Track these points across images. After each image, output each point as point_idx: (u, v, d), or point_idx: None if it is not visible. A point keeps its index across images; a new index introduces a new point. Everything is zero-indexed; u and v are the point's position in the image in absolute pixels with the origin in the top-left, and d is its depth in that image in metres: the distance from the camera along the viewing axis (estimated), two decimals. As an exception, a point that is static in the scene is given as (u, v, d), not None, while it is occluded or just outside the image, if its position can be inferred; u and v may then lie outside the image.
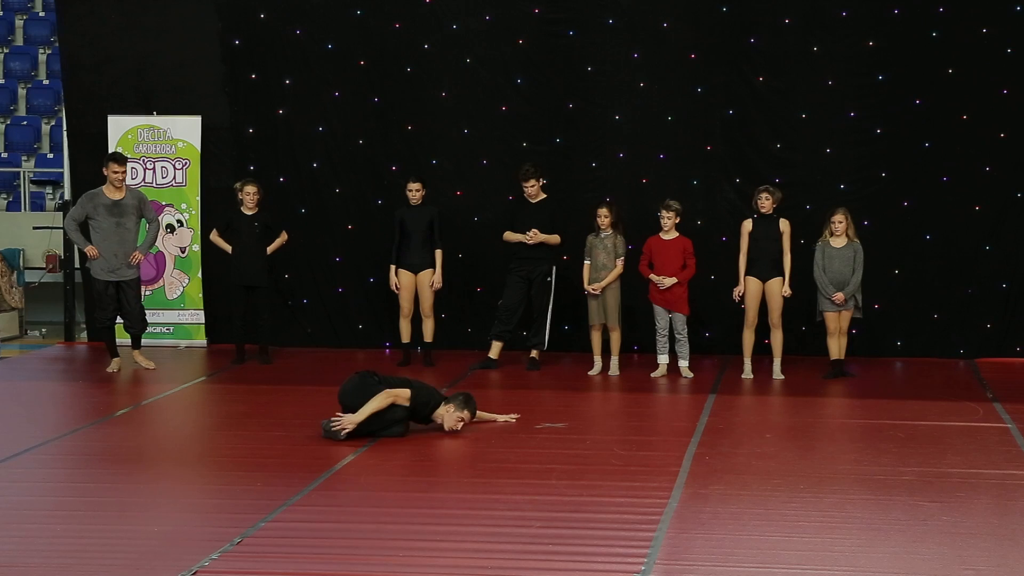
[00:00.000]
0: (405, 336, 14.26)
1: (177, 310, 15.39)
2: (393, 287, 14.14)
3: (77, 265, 15.59)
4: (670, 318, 13.50)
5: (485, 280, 14.84)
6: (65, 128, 16.11)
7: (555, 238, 13.82)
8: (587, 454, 10.23)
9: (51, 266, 18.07)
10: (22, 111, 21.64)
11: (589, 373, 13.63)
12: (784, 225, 13.39)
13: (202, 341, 15.37)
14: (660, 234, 13.50)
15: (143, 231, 13.80)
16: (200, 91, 15.34)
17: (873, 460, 10.06)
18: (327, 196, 15.21)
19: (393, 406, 10.58)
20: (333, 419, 10.52)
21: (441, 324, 14.44)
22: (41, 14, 22.45)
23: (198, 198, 15.32)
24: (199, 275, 15.32)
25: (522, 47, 14.84)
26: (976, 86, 14.28)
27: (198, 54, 15.26)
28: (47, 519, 8.51)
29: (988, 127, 14.29)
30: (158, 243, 14.81)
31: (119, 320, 13.83)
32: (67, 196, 16.04)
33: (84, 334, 16.06)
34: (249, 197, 14.09)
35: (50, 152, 20.84)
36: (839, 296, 13.19)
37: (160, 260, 15.30)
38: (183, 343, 15.37)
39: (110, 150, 14.77)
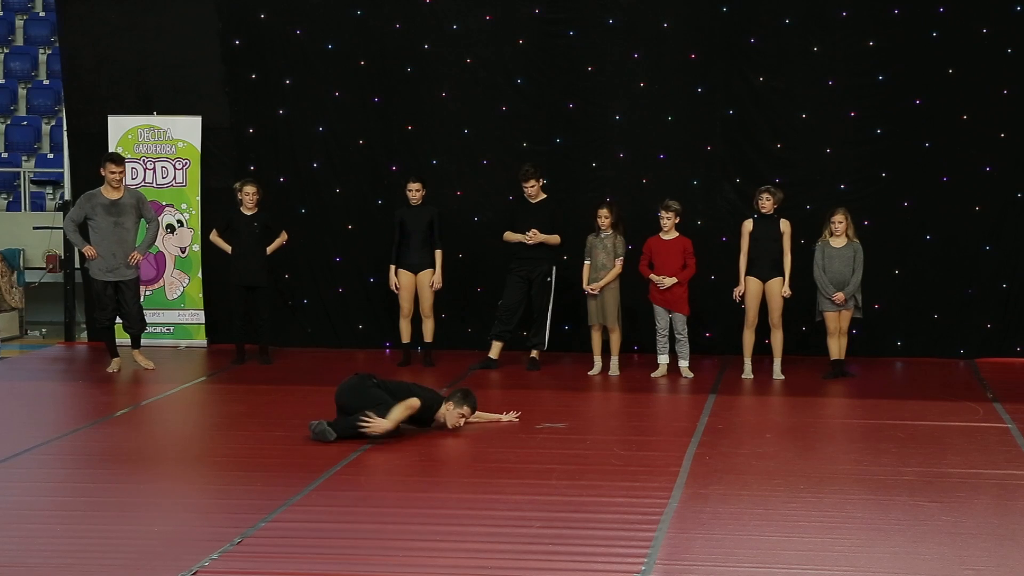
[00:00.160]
0: (405, 336, 14.26)
1: (177, 310, 15.39)
2: (393, 287, 14.14)
3: (77, 265, 15.58)
4: (670, 318, 13.50)
5: (485, 280, 14.84)
6: (65, 128, 16.11)
7: (555, 238, 13.82)
8: (587, 454, 10.23)
9: (51, 266, 18.07)
10: (22, 111, 21.64)
11: (589, 373, 13.63)
12: (784, 225, 13.39)
13: (202, 341, 15.37)
14: (660, 234, 13.50)
15: (142, 231, 13.79)
16: (200, 91, 15.35)
17: (873, 460, 10.06)
18: (327, 196, 15.21)
19: (385, 410, 10.59)
20: (363, 419, 10.46)
21: (441, 324, 14.45)
22: (41, 14, 22.45)
23: (198, 198, 15.32)
24: (199, 275, 15.33)
25: (522, 47, 14.84)
26: (976, 86, 14.28)
27: (198, 54, 15.26)
28: (47, 519, 8.51)
29: (988, 127, 14.29)
30: (158, 243, 14.82)
31: (119, 320, 13.82)
32: (67, 196, 16.04)
33: (84, 334, 16.06)
34: (248, 197, 14.09)
35: (50, 152, 20.83)
36: (839, 296, 13.19)
37: (160, 260, 15.30)
38: (183, 343, 15.37)
39: (110, 150, 14.77)
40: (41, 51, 22.02)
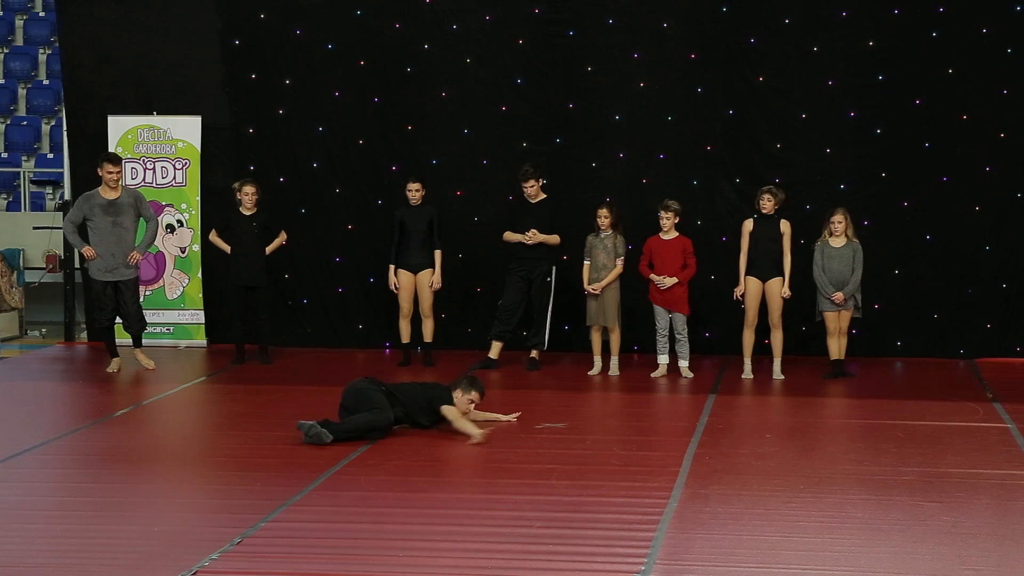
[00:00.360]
0: (405, 336, 14.26)
1: (177, 310, 15.39)
2: (392, 287, 14.14)
3: (77, 265, 15.58)
4: (670, 318, 13.50)
5: (485, 280, 14.84)
6: (65, 128, 16.11)
7: (555, 238, 13.82)
8: (587, 454, 10.23)
9: (51, 266, 18.07)
10: (22, 111, 21.65)
11: (589, 373, 13.63)
12: (785, 226, 13.39)
13: (202, 341, 15.37)
14: (660, 234, 13.50)
15: (142, 230, 13.78)
16: (200, 91, 15.34)
17: (873, 460, 10.06)
18: (327, 196, 15.21)
19: (381, 414, 10.60)
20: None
21: (441, 324, 14.45)
22: (41, 14, 22.45)
23: (198, 198, 15.32)
24: (199, 275, 15.32)
25: (522, 47, 14.84)
26: (976, 86, 14.28)
27: (198, 54, 15.26)
28: (47, 519, 8.51)
29: (988, 127, 14.28)
30: (158, 243, 14.82)
31: (119, 320, 13.82)
32: (67, 196, 16.05)
33: (84, 334, 16.06)
34: (248, 197, 14.09)
35: (50, 152, 20.84)
36: (839, 296, 13.19)
37: (160, 260, 15.30)
38: (183, 343, 15.37)
39: (110, 150, 14.77)
40: (41, 51, 22.02)
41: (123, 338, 14.00)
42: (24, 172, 20.29)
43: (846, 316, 13.33)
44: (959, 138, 14.33)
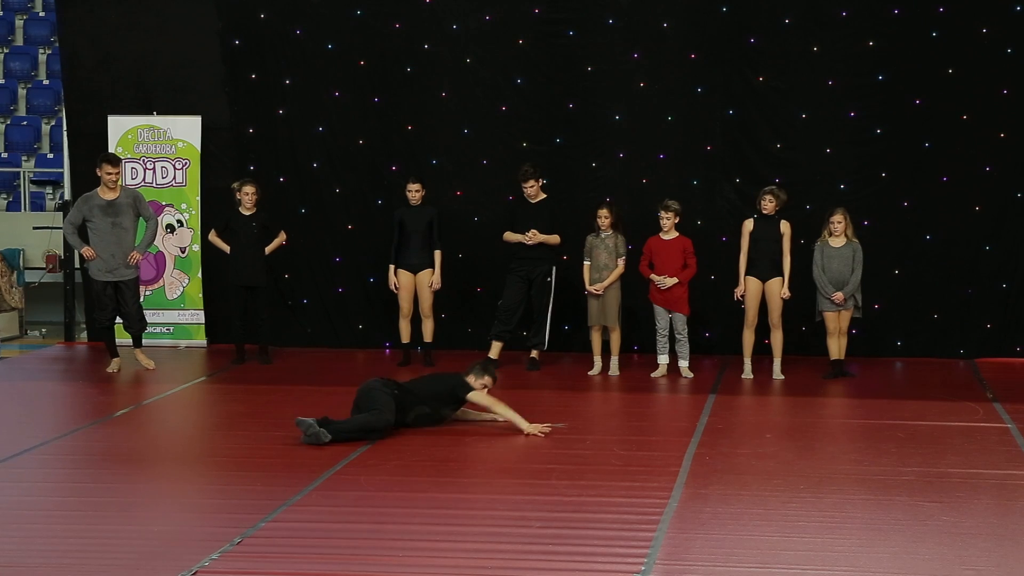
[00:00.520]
0: (405, 336, 14.26)
1: (177, 310, 15.39)
2: (392, 287, 14.14)
3: (77, 265, 15.58)
4: (670, 318, 13.50)
5: (485, 280, 14.84)
6: (65, 128, 16.11)
7: (555, 238, 13.82)
8: (587, 454, 10.23)
9: (51, 266, 18.08)
10: (22, 111, 21.65)
11: (589, 373, 13.63)
12: (785, 227, 13.39)
13: (202, 341, 15.37)
14: (660, 234, 13.50)
15: (141, 229, 13.78)
16: (200, 91, 15.34)
17: (873, 460, 10.06)
18: (327, 196, 15.21)
19: (379, 415, 10.61)
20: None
21: (441, 324, 14.45)
22: (41, 14, 22.46)
23: (198, 198, 15.32)
24: (199, 275, 15.32)
25: (522, 47, 14.83)
26: (976, 86, 14.28)
27: (198, 54, 15.26)
28: (47, 519, 8.52)
29: (988, 127, 14.29)
30: (158, 243, 14.82)
31: (119, 320, 13.82)
32: (67, 196, 16.05)
33: (84, 334, 16.06)
34: (247, 197, 14.09)
35: (50, 152, 20.84)
36: (838, 296, 13.19)
37: (160, 260, 15.30)
38: (183, 343, 15.37)
39: (110, 150, 14.77)
40: (41, 51, 22.02)
41: (123, 338, 14.00)
42: (24, 172, 20.29)
43: (846, 316, 13.33)
44: (959, 138, 14.32)
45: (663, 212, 13.44)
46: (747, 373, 13.47)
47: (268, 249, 14.19)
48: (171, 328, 15.40)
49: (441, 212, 14.17)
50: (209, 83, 15.32)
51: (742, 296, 13.45)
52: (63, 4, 15.70)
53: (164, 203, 15.26)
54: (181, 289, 15.38)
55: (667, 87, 14.65)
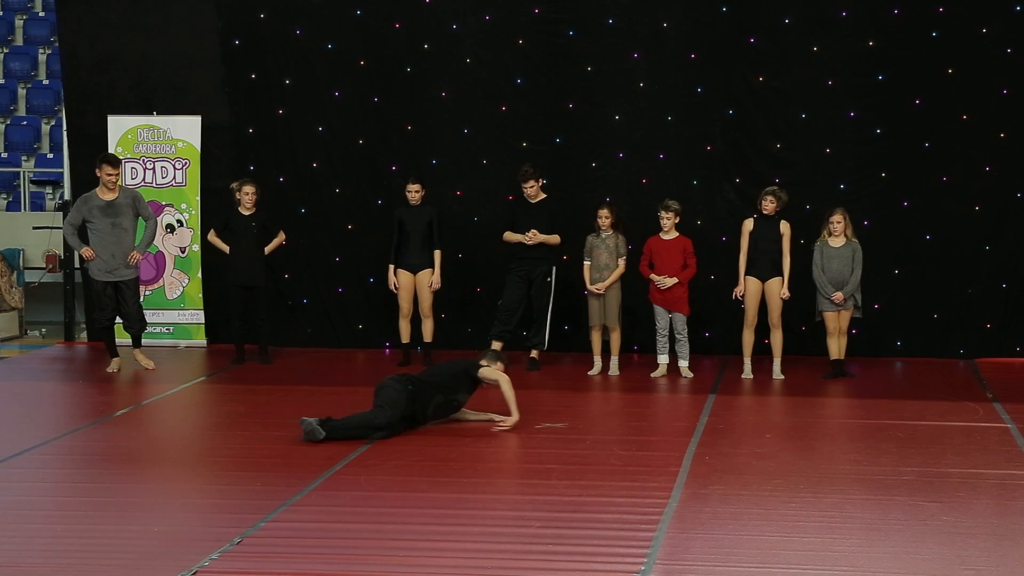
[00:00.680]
0: (404, 336, 14.26)
1: (177, 310, 15.39)
2: (392, 287, 14.14)
3: (77, 265, 15.59)
4: (670, 318, 13.50)
5: (485, 280, 14.84)
6: (65, 128, 16.11)
7: (555, 238, 13.82)
8: (587, 454, 10.23)
9: (51, 266, 18.07)
10: (22, 111, 21.65)
11: (589, 373, 13.63)
12: (784, 227, 13.39)
13: (202, 341, 15.37)
14: (660, 234, 13.50)
15: (141, 230, 13.78)
16: (200, 91, 15.34)
17: (873, 460, 10.06)
18: (327, 196, 15.22)
19: (380, 412, 10.64)
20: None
21: (441, 324, 14.45)
22: (41, 14, 22.45)
23: (198, 198, 15.32)
24: (199, 275, 15.32)
25: (522, 47, 14.84)
26: (976, 86, 14.28)
27: (198, 54, 15.26)
28: (47, 519, 8.51)
29: (988, 127, 14.29)
30: (157, 243, 14.83)
31: (119, 320, 13.82)
32: (67, 196, 16.05)
33: (84, 334, 16.06)
34: (247, 197, 14.09)
35: (50, 152, 20.84)
36: (838, 296, 13.20)
37: (160, 260, 15.30)
38: (183, 343, 15.37)
39: (110, 150, 14.77)
40: (41, 51, 22.02)
41: (123, 338, 14.00)
42: (24, 172, 20.29)
43: (846, 316, 13.33)
44: (959, 138, 14.32)
45: (663, 212, 13.44)
46: (747, 373, 13.47)
47: (267, 249, 14.20)
48: (171, 328, 15.40)
49: (441, 212, 14.17)
50: (209, 83, 15.33)
51: (741, 296, 13.45)
52: (63, 4, 15.70)
53: (164, 203, 15.26)
54: (181, 289, 15.38)
55: (667, 87, 14.65)
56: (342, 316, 15.33)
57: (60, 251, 16.72)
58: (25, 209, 19.92)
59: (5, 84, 21.73)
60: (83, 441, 10.79)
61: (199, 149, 15.32)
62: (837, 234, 13.29)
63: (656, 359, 13.57)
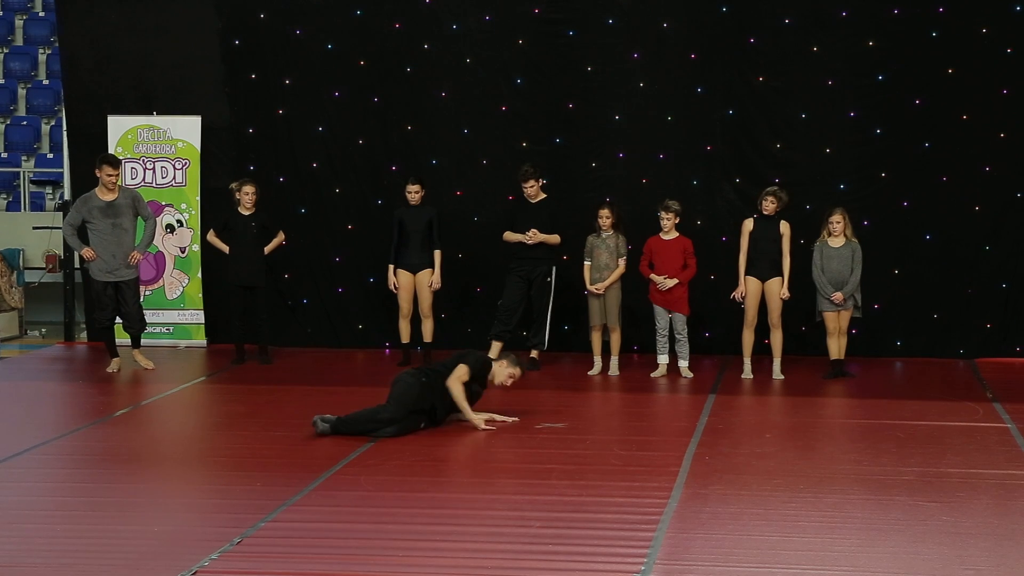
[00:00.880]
0: (404, 336, 14.26)
1: (177, 310, 15.39)
2: (392, 287, 14.14)
3: (77, 265, 15.59)
4: (670, 318, 13.50)
5: (485, 280, 14.84)
6: (65, 128, 16.12)
7: (555, 238, 13.82)
8: (587, 454, 10.23)
9: (51, 266, 18.07)
10: (22, 111, 21.65)
11: (589, 373, 13.63)
12: (784, 227, 13.38)
13: (202, 341, 15.37)
14: (660, 234, 13.50)
15: (140, 229, 13.78)
16: (200, 91, 15.35)
17: (873, 460, 10.06)
18: (327, 196, 15.22)
19: (384, 408, 10.69)
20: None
21: (441, 324, 14.45)
22: (41, 14, 22.45)
23: (198, 198, 15.32)
24: (199, 275, 15.32)
25: (522, 47, 14.84)
26: (976, 86, 14.28)
27: (198, 54, 15.27)
28: (47, 519, 8.51)
29: (988, 127, 14.29)
30: (157, 243, 14.83)
31: (119, 320, 13.82)
32: (67, 196, 16.05)
33: (84, 334, 16.06)
34: (247, 197, 14.10)
35: (50, 152, 20.84)
36: (838, 296, 13.20)
37: (160, 260, 15.30)
38: (183, 343, 15.37)
39: (110, 150, 14.77)
40: (41, 51, 22.02)
41: (123, 338, 14.00)
42: (24, 172, 20.29)
43: (846, 316, 13.33)
44: (959, 138, 14.33)
45: (663, 212, 13.44)
46: (747, 373, 13.47)
47: (267, 249, 14.20)
48: (171, 328, 15.40)
49: (441, 212, 14.17)
50: (209, 83, 15.33)
51: (742, 297, 13.45)
52: (63, 4, 15.71)
53: (164, 203, 15.27)
54: (181, 289, 15.38)
55: (667, 87, 14.65)
56: (342, 316, 15.33)
57: (60, 251, 16.72)
58: (25, 209, 19.92)
59: (5, 84, 21.73)
60: (83, 441, 10.79)
61: (199, 149, 15.32)
62: (837, 234, 13.29)
63: (656, 359, 13.57)
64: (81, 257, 13.91)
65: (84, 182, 14.78)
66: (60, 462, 10.24)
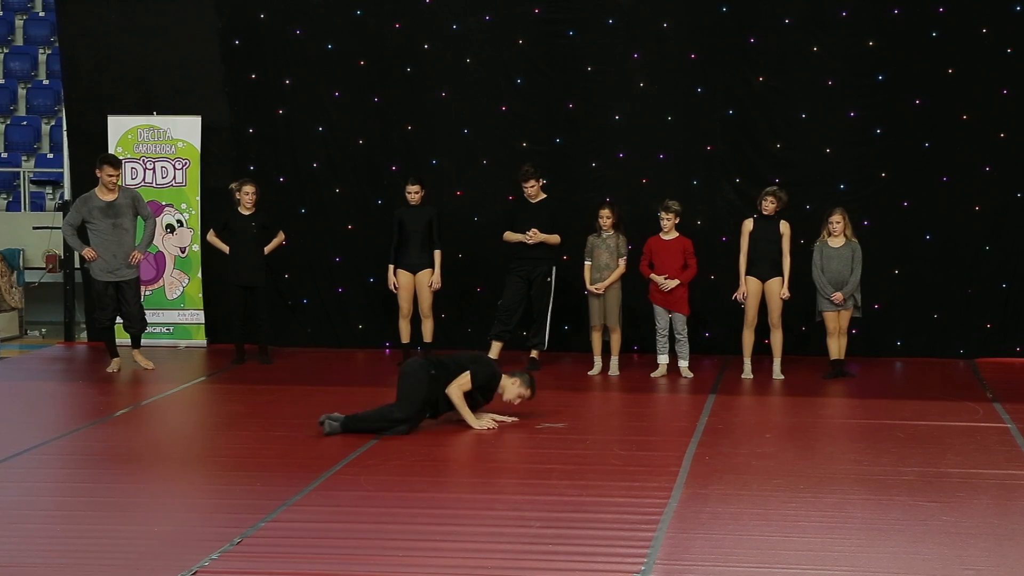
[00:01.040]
0: (404, 336, 14.26)
1: (177, 310, 15.39)
2: (391, 287, 14.14)
3: (77, 265, 15.59)
4: (670, 318, 13.50)
5: (485, 280, 14.84)
6: (65, 128, 16.12)
7: (555, 238, 13.82)
8: (587, 454, 10.23)
9: (51, 266, 18.07)
10: (22, 111, 21.65)
11: (589, 373, 13.63)
12: (784, 227, 13.38)
13: (202, 341, 15.37)
14: (660, 234, 13.50)
15: (140, 229, 13.78)
16: (200, 91, 15.35)
17: (873, 460, 10.06)
18: (327, 196, 15.22)
19: (392, 406, 10.70)
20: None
21: (441, 324, 14.44)
22: (41, 14, 22.45)
23: (198, 198, 15.32)
24: (199, 275, 15.32)
25: (522, 47, 14.84)
26: (976, 86, 14.28)
27: (198, 54, 15.27)
28: (47, 519, 8.51)
29: (988, 127, 14.29)
30: (157, 243, 14.83)
31: (119, 320, 13.83)
32: (67, 196, 16.05)
33: (84, 334, 16.06)
34: (247, 197, 14.10)
35: (50, 152, 20.84)
36: (838, 296, 13.20)
37: (160, 260, 15.30)
38: (183, 343, 15.37)
39: (110, 150, 14.77)
40: (41, 51, 22.02)
41: (123, 338, 14.00)
42: (24, 172, 20.29)
43: (846, 316, 13.33)
44: (959, 138, 14.33)
45: (663, 212, 13.44)
46: (747, 373, 13.48)
47: (267, 249, 14.20)
48: (171, 328, 15.40)
49: (441, 212, 14.17)
50: (209, 83, 15.33)
51: (743, 298, 13.45)
52: (63, 4, 15.71)
53: (164, 203, 15.27)
54: (181, 289, 15.38)
55: (667, 87, 14.65)
56: (342, 316, 15.33)
57: (60, 251, 16.72)
58: (25, 209, 19.92)
59: (5, 84, 21.73)
60: (83, 441, 10.79)
61: (199, 149, 15.32)
62: (837, 234, 13.29)
63: (656, 359, 13.57)
64: (81, 257, 13.91)
65: (84, 182, 14.78)
66: (60, 462, 10.25)
